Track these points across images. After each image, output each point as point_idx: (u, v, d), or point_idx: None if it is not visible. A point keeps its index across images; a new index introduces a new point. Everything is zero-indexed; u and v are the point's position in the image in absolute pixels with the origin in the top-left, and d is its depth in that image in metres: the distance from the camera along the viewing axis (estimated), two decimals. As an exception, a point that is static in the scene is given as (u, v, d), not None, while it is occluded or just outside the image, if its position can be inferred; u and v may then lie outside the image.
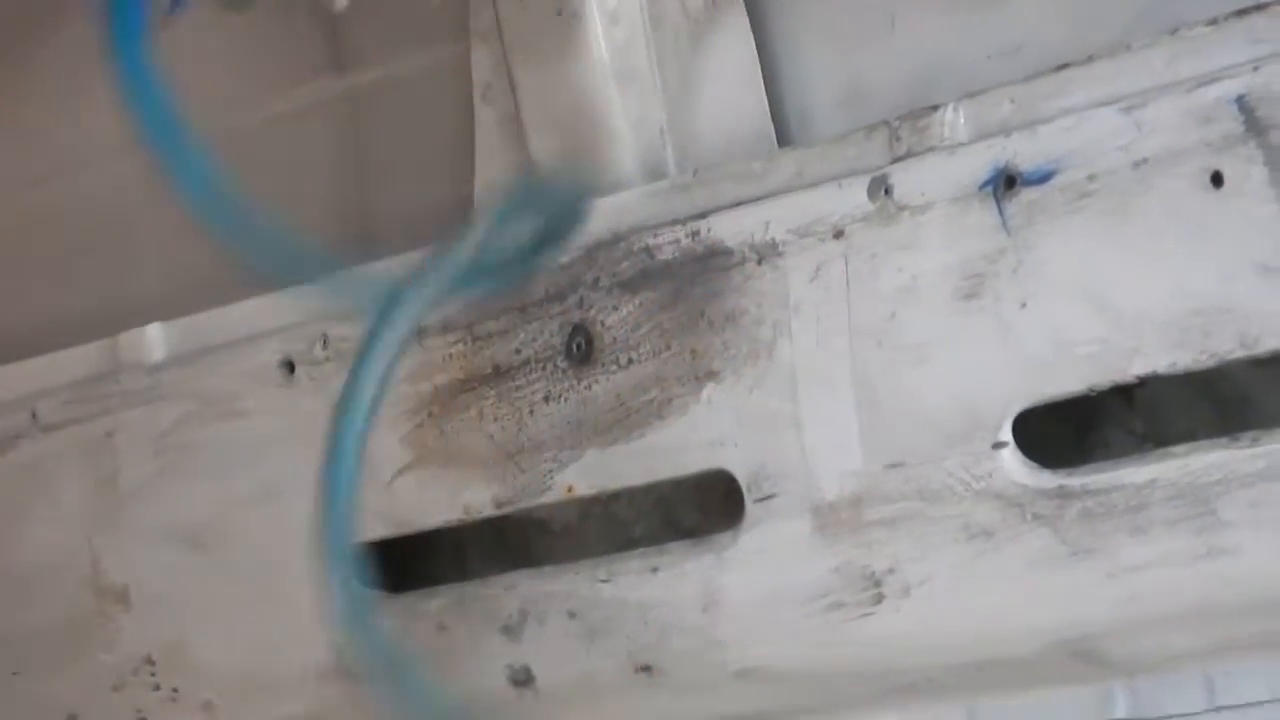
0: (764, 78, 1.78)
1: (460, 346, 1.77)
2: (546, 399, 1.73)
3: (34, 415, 2.02)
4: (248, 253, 1.36)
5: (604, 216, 1.72)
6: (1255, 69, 1.41)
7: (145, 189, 2.14)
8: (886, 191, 1.58)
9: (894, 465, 1.57)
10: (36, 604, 2.00)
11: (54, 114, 2.11)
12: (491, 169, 1.85)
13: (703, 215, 1.67)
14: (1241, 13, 1.43)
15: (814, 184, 1.62)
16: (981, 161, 1.53)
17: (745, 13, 1.78)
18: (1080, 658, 1.56)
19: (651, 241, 1.69)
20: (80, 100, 2.16)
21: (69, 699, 1.92)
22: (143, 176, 2.14)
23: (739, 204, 1.65)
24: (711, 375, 1.65)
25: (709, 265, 1.66)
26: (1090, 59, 1.51)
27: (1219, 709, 1.55)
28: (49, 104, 2.16)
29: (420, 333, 1.77)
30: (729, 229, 1.65)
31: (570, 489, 1.72)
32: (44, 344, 2.01)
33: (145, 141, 1.29)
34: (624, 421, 1.69)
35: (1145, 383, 1.49)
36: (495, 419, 1.76)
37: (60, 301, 2.11)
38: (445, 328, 1.78)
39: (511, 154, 1.83)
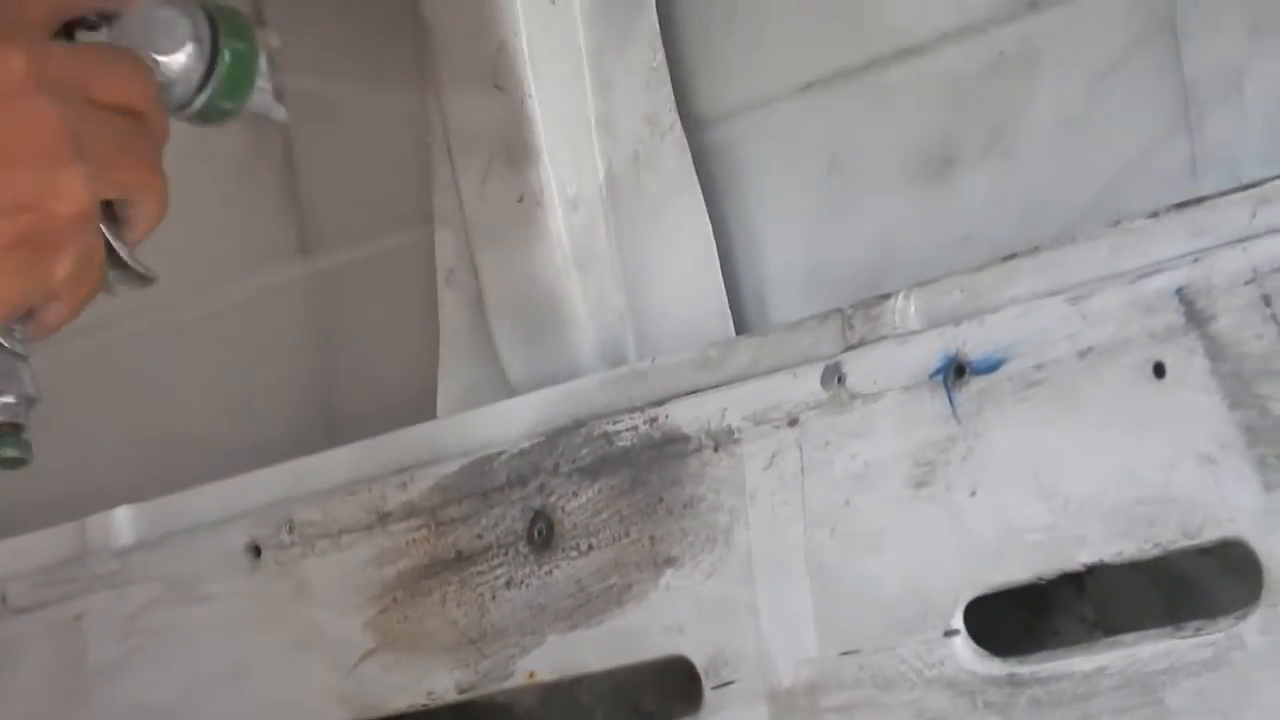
0: (720, 260, 1.79)
1: (424, 532, 1.77)
2: (508, 584, 1.73)
3: (3, 598, 2.02)
4: None
5: (564, 402, 1.73)
6: (1195, 260, 1.41)
7: (109, 369, 2.17)
8: (840, 380, 1.57)
9: (849, 652, 1.56)
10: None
11: None
12: (456, 352, 1.86)
13: (660, 402, 1.67)
14: (1181, 205, 1.44)
15: (769, 371, 1.62)
16: (932, 350, 1.53)
17: (701, 195, 1.79)
18: (1033, 846, 1.55)
19: (610, 428, 1.69)
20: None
21: None
22: (106, 356, 2.16)
23: (696, 391, 1.66)
24: (670, 561, 1.65)
25: (666, 452, 1.66)
26: (1037, 249, 1.50)
27: None
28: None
29: (384, 517, 1.79)
30: (686, 416, 1.65)
31: (532, 675, 1.72)
32: (12, 526, 2.01)
33: None
34: (584, 607, 1.69)
35: (1094, 570, 1.49)
36: (458, 604, 1.75)
37: (28, 483, 2.11)
38: (409, 513, 1.78)
39: (475, 337, 1.84)
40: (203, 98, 1.48)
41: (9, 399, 1.33)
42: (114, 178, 1.33)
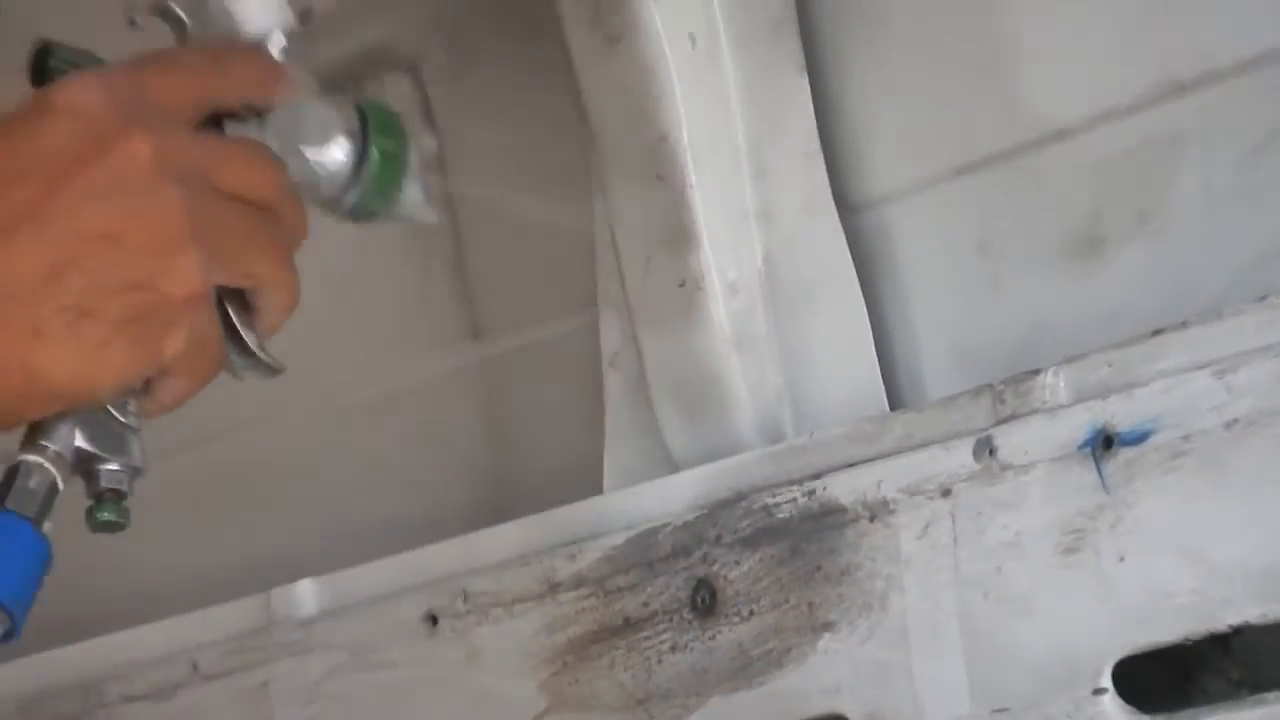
0: (875, 338, 1.78)
1: (593, 600, 1.78)
2: (673, 649, 1.74)
3: (194, 666, 2.04)
4: None
5: (725, 476, 1.73)
6: (1346, 331, 1.42)
7: (295, 451, 2.19)
8: (991, 452, 1.58)
9: (1000, 710, 1.56)
10: None
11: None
12: (621, 430, 1.87)
13: (818, 475, 1.68)
14: (1335, 277, 1.45)
15: (923, 445, 1.62)
16: (1081, 423, 1.53)
17: (855, 277, 1.79)
18: None
19: (770, 500, 1.70)
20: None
21: None
22: (290, 441, 2.18)
23: (852, 464, 1.66)
24: (828, 626, 1.65)
25: (824, 523, 1.67)
26: (1184, 324, 1.51)
27: None
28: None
29: (554, 587, 1.80)
30: (843, 488, 1.66)
31: (698, 733, 1.73)
32: (203, 596, 2.03)
33: None
34: (746, 670, 1.70)
35: (1240, 631, 1.49)
36: (626, 668, 1.76)
37: (217, 556, 2.13)
38: (579, 582, 1.79)
39: (639, 415, 1.85)
40: (352, 195, 1.47)
41: (115, 467, 1.31)
42: (235, 266, 1.31)
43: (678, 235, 1.80)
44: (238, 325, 1.38)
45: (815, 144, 1.81)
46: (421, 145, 1.50)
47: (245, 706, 2.01)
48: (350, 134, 1.43)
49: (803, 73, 1.81)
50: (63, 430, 1.28)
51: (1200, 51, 1.66)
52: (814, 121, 1.81)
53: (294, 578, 1.99)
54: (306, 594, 1.98)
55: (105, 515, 1.30)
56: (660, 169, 1.79)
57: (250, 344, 1.40)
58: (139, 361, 1.24)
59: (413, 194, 1.49)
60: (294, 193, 1.38)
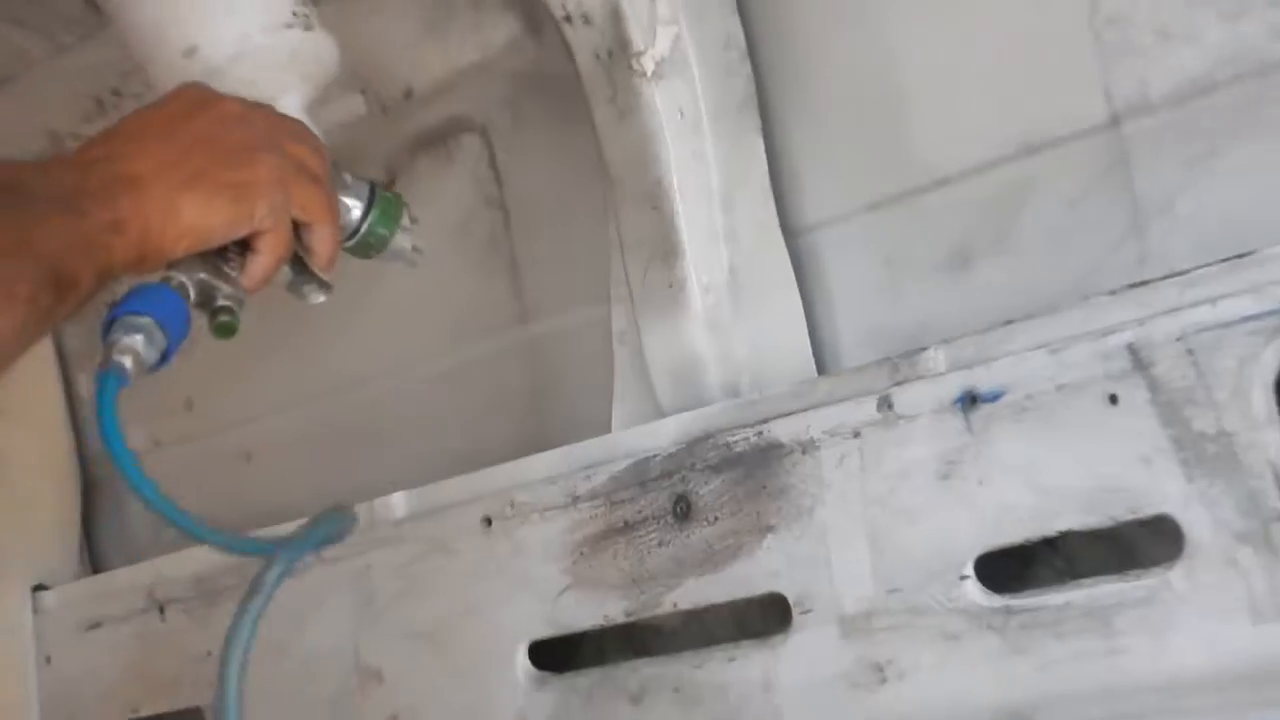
0: (807, 325, 1.78)
1: (602, 508, 1.76)
2: (660, 544, 1.71)
3: (319, 553, 2.01)
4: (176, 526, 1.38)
5: (699, 421, 1.71)
6: (1140, 324, 1.40)
7: (390, 405, 2.16)
8: (889, 406, 1.57)
9: (894, 591, 1.55)
10: (316, 682, 1.99)
11: (330, 348, 2.12)
12: (624, 389, 1.85)
13: (765, 421, 1.66)
14: (1132, 286, 1.42)
15: (840, 400, 1.61)
16: (954, 386, 1.52)
17: (795, 281, 1.78)
18: (1020, 722, 1.53)
19: (730, 439, 1.68)
20: (357, 330, 2.17)
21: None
22: (388, 397, 2.16)
23: (790, 413, 1.64)
24: (770, 529, 1.64)
25: (769, 455, 1.65)
26: (1028, 317, 1.50)
27: (1118, 764, 1.51)
28: (345, 328, 2.18)
29: (576, 499, 1.77)
30: (783, 430, 1.64)
31: (676, 605, 1.70)
32: (325, 504, 2.00)
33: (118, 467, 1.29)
34: (711, 559, 1.68)
35: (1064, 535, 1.47)
36: (625, 557, 1.74)
37: (336, 477, 2.11)
38: (593, 496, 1.77)
39: (638, 378, 1.83)
40: (353, 241, 1.55)
41: (228, 291, 1.36)
42: (298, 195, 1.40)
43: (668, 251, 1.78)
44: (301, 255, 1.46)
45: (767, 187, 1.79)
46: (410, 214, 1.60)
47: (354, 583, 2.00)
48: (358, 200, 1.55)
49: (759, 136, 1.80)
50: (191, 264, 1.33)
51: (1043, 124, 1.65)
52: (767, 171, 1.79)
53: (389, 492, 1.97)
54: (398, 503, 1.97)
55: (222, 319, 1.35)
56: (656, 203, 1.78)
57: (311, 265, 1.47)
58: (237, 215, 1.32)
59: (397, 250, 1.58)
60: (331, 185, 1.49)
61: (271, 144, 1.39)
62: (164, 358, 1.29)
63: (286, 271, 1.48)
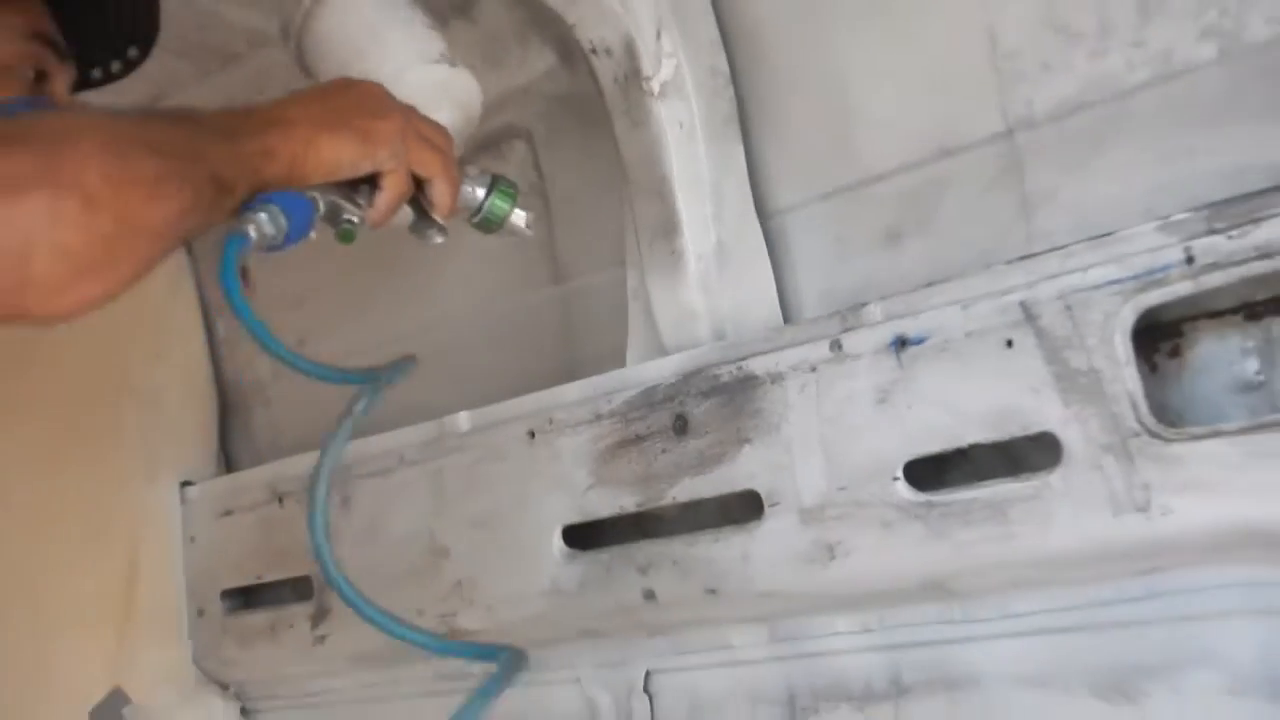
0: (776, 288, 1.77)
1: (619, 425, 1.76)
2: (663, 451, 1.72)
3: (402, 458, 2.02)
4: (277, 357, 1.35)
5: (694, 359, 1.72)
6: (1030, 287, 1.42)
7: (456, 346, 2.17)
8: (839, 347, 1.58)
9: (842, 488, 1.56)
10: (399, 557, 2.01)
11: (433, 285, 2.12)
12: (636, 334, 1.85)
13: (744, 359, 1.66)
14: (1023, 258, 1.44)
15: (801, 343, 1.61)
16: (888, 332, 1.54)
17: (768, 255, 1.78)
18: (936, 589, 1.55)
19: (717, 372, 1.68)
20: (433, 286, 2.18)
21: (415, 603, 1.91)
22: (455, 340, 2.16)
23: (763, 353, 1.65)
24: (748, 441, 1.64)
25: (747, 385, 1.65)
26: (946, 280, 1.51)
27: (1007, 617, 1.53)
28: (421, 285, 2.18)
29: (599, 417, 1.78)
30: (758, 366, 1.65)
31: (675, 499, 1.71)
32: (407, 420, 2.02)
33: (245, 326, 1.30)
34: (702, 464, 1.68)
35: (973, 448, 1.48)
36: (636, 462, 1.74)
37: (416, 399, 2.10)
38: (612, 415, 1.77)
39: (647, 325, 1.83)
40: (477, 217, 1.56)
41: (352, 210, 1.38)
42: (419, 156, 1.41)
43: (670, 228, 1.78)
44: (423, 203, 1.46)
45: (745, 181, 1.79)
46: (524, 206, 1.57)
47: (429, 482, 2.00)
48: (483, 187, 1.54)
49: (739, 144, 1.79)
50: (327, 189, 1.35)
51: (956, 134, 1.65)
52: (745, 169, 1.79)
53: (459, 410, 1.98)
54: (463, 419, 1.97)
55: (345, 228, 1.37)
56: (661, 193, 1.77)
57: (428, 209, 1.47)
58: (363, 154, 1.34)
59: (513, 226, 1.57)
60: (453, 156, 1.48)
61: (401, 111, 1.41)
62: (284, 241, 1.29)
63: (409, 214, 1.48)
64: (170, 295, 2.49)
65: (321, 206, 1.35)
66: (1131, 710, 1.45)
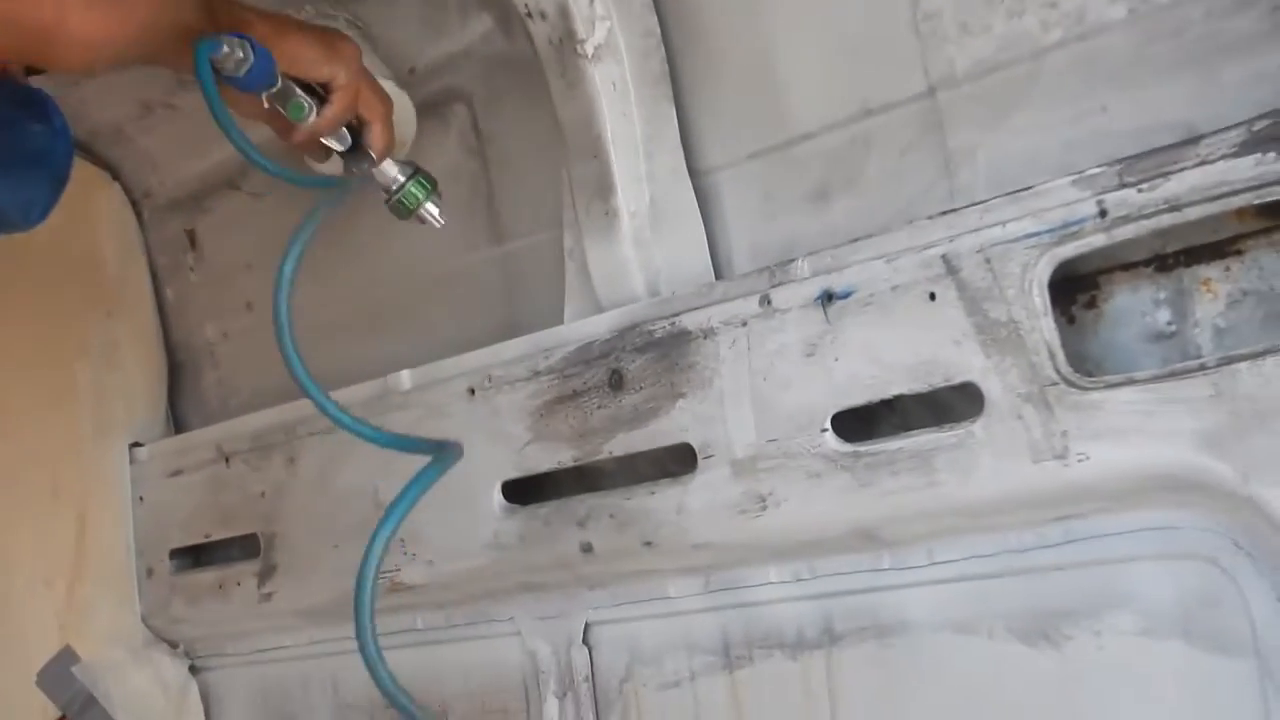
0: (708, 243, 1.78)
1: (556, 381, 1.77)
2: (599, 407, 1.73)
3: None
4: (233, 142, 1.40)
5: (628, 315, 1.73)
6: (951, 240, 1.43)
7: (401, 302, 2.17)
8: (768, 302, 1.59)
9: (772, 440, 1.57)
10: (345, 512, 2.02)
11: (377, 247, 2.12)
12: (573, 291, 1.85)
13: (677, 314, 1.67)
14: (944, 212, 1.46)
15: (732, 298, 1.62)
16: (815, 287, 1.55)
17: (699, 212, 1.78)
18: (864, 537, 1.56)
19: (651, 328, 1.69)
20: (377, 248, 2.18)
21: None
22: (401, 295, 2.16)
23: (695, 308, 1.66)
24: (681, 395, 1.65)
25: (680, 340, 1.66)
26: (870, 235, 1.51)
27: (934, 564, 1.54)
28: (364, 248, 2.18)
29: (537, 374, 1.79)
30: (690, 321, 1.66)
31: (611, 453, 1.72)
32: (352, 379, 2.02)
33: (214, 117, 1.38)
34: (637, 418, 1.70)
35: (899, 398, 1.49)
36: (573, 418, 1.76)
37: (360, 358, 2.12)
38: (549, 371, 1.78)
39: (583, 283, 1.83)
40: (393, 200, 1.61)
41: (305, 103, 1.47)
42: (367, 99, 1.51)
43: (604, 188, 1.78)
44: (365, 145, 1.56)
45: (677, 140, 1.79)
46: (438, 194, 1.63)
47: (374, 436, 1.98)
48: (405, 175, 1.60)
49: (671, 104, 1.80)
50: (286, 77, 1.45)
51: (880, 94, 1.65)
52: (677, 129, 1.79)
53: (399, 369, 1.98)
54: (405, 377, 1.98)
55: (297, 101, 1.46)
56: (596, 152, 1.78)
57: (365, 145, 1.56)
58: (323, 58, 1.45)
59: (424, 214, 1.63)
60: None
61: (359, 53, 1.50)
62: (245, 77, 1.37)
63: (345, 141, 1.56)
64: (122, 261, 2.48)
65: (280, 81, 1.44)
66: (1053, 653, 1.47)
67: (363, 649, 1.52)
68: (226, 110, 1.37)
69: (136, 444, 2.42)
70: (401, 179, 1.60)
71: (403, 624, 2.07)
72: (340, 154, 1.57)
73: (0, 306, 2.27)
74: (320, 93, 1.49)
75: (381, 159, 1.57)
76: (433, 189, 1.62)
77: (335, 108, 1.48)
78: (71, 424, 2.38)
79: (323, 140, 1.54)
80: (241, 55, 1.36)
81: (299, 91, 1.46)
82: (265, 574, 2.16)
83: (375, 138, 1.54)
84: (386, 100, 1.55)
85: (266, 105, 1.45)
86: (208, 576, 2.28)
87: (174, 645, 2.41)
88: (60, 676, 2.27)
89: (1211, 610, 1.36)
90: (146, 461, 2.40)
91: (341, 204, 1.61)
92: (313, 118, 1.47)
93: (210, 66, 1.35)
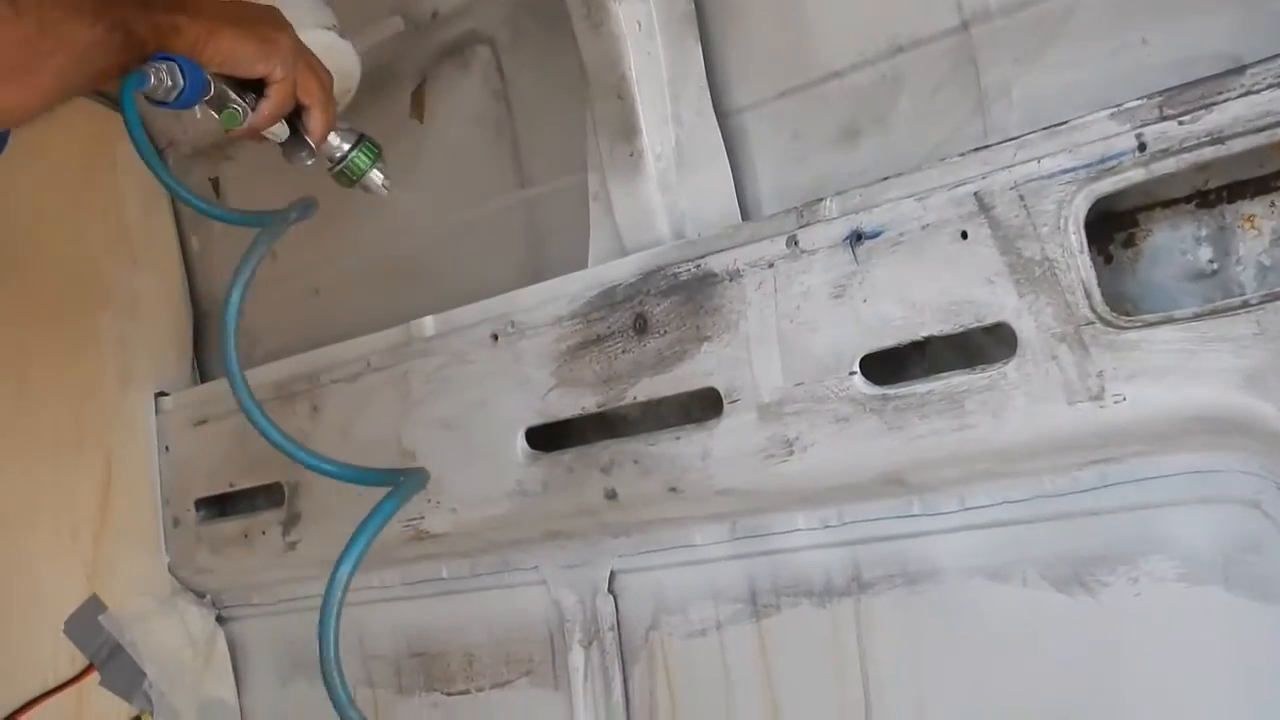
0: (734, 184, 1.75)
1: (580, 325, 1.74)
2: (624, 351, 1.70)
3: (369, 363, 2.00)
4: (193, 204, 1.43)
5: (653, 258, 1.69)
6: (984, 178, 1.39)
7: (425, 249, 2.14)
8: (795, 243, 1.55)
9: (799, 384, 1.54)
10: (368, 460, 1.96)
11: (401, 194, 2.09)
12: (597, 234, 1.81)
13: (703, 256, 1.63)
14: (977, 149, 1.41)
15: (759, 240, 1.58)
16: (844, 227, 1.51)
17: (725, 151, 1.75)
18: (894, 483, 1.53)
19: (676, 270, 1.65)
20: (399, 194, 2.14)
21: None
22: (425, 243, 2.13)
23: (721, 250, 1.62)
24: (707, 338, 1.62)
25: (706, 282, 1.62)
26: (899, 174, 1.47)
27: (965, 510, 1.51)
28: (399, 187, 2.15)
29: (560, 319, 1.75)
30: (716, 263, 1.62)
31: (635, 398, 1.69)
32: (374, 326, 1.99)
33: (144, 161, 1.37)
34: (662, 362, 1.66)
35: (929, 340, 1.46)
36: (598, 362, 1.72)
37: (383, 306, 2.09)
38: (573, 316, 1.75)
39: (608, 226, 1.80)
40: (337, 169, 1.60)
41: (239, 107, 1.44)
42: (305, 82, 1.48)
43: (629, 129, 1.75)
44: (299, 127, 1.53)
45: (704, 80, 1.76)
46: (383, 162, 1.62)
47: (395, 385, 1.98)
48: (349, 142, 1.58)
49: (697, 43, 1.77)
50: (219, 78, 1.42)
51: (911, 30, 1.62)
52: (704, 68, 1.76)
53: (423, 315, 1.95)
54: (429, 323, 1.94)
55: (231, 109, 1.44)
56: (621, 93, 1.74)
57: (305, 135, 1.53)
58: (259, 55, 1.42)
59: (370, 181, 1.62)
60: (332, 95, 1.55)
61: (295, 38, 1.48)
62: (177, 98, 1.35)
63: (284, 131, 1.53)
64: (146, 211, 2.46)
65: (213, 88, 1.41)
66: (1089, 600, 1.43)
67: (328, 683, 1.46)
68: (155, 154, 1.38)
69: (162, 393, 2.39)
70: (345, 148, 1.59)
71: (427, 573, 2.04)
72: (279, 145, 1.56)
73: (24, 256, 2.24)
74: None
75: (321, 144, 1.55)
76: (377, 155, 1.61)
77: (271, 103, 1.46)
78: (96, 374, 2.36)
79: (263, 134, 1.52)
80: (171, 83, 1.33)
81: (233, 96, 1.44)
82: (290, 523, 2.13)
83: (314, 124, 1.52)
84: (324, 79, 1.53)
85: (199, 115, 1.45)
86: (233, 526, 2.25)
87: (200, 595, 2.38)
88: (87, 626, 2.26)
89: (1252, 556, 1.32)
90: (172, 411, 2.37)
91: (283, 234, 1.53)
92: (249, 119, 1.46)
93: (135, 111, 1.33)
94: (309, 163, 1.56)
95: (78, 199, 2.33)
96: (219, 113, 1.44)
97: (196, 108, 1.41)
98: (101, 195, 2.38)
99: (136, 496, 2.35)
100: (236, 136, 1.48)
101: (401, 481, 1.56)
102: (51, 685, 2.22)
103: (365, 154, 1.60)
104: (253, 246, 1.46)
